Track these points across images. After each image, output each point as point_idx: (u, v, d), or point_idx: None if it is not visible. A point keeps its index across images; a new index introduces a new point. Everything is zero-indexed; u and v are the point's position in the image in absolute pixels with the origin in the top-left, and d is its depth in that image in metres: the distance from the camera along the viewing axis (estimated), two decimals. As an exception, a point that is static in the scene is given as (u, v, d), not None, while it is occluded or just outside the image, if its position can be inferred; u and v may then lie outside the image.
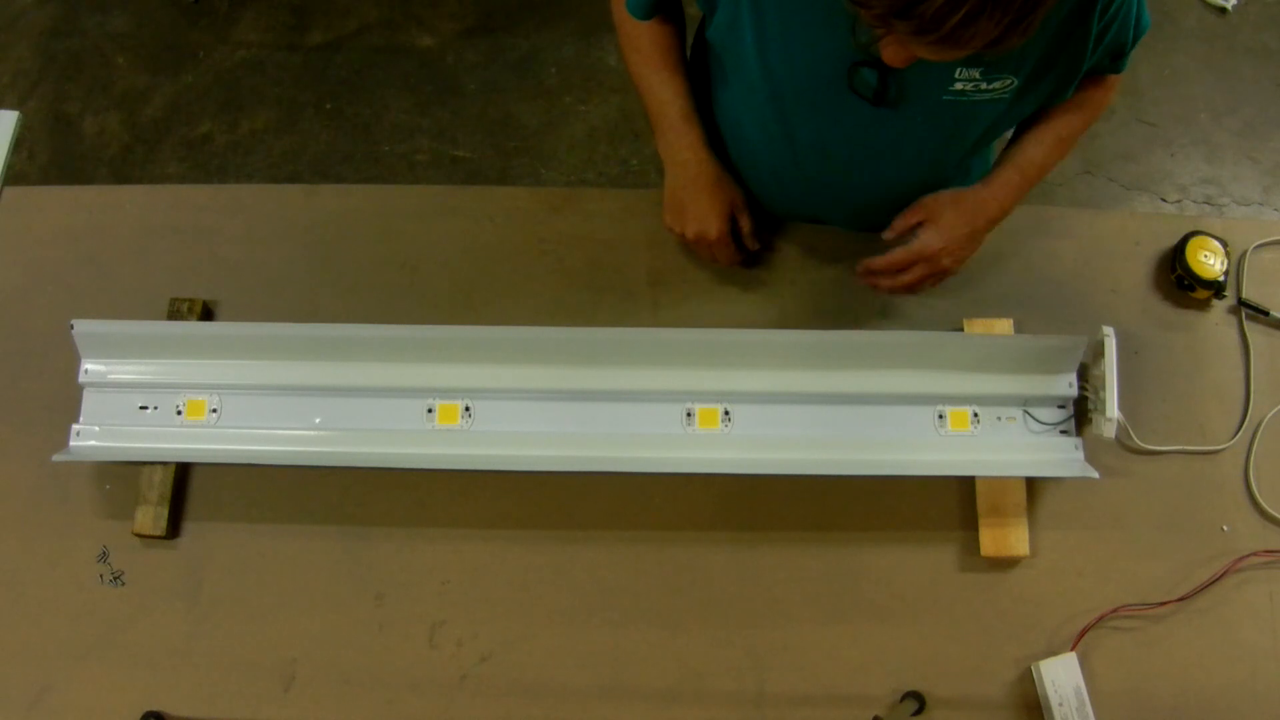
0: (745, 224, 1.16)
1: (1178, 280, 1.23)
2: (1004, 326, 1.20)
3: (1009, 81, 0.97)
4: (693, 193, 1.14)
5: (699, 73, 1.20)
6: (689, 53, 1.22)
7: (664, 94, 1.12)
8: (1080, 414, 1.15)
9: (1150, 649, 1.11)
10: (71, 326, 1.11)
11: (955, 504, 1.15)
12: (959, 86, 0.97)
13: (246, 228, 1.26)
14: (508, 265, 1.24)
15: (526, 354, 1.14)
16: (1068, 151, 1.13)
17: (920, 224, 1.10)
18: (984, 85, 0.97)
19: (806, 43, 0.97)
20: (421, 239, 1.26)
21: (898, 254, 1.10)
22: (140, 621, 1.11)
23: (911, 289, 1.13)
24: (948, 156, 1.12)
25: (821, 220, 1.27)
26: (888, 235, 1.12)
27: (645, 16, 1.10)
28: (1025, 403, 1.15)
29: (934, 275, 1.12)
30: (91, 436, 1.13)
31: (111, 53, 2.53)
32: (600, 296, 1.23)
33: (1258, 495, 1.16)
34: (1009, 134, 1.16)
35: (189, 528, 1.14)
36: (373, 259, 1.25)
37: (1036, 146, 1.11)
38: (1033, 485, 1.15)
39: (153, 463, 1.13)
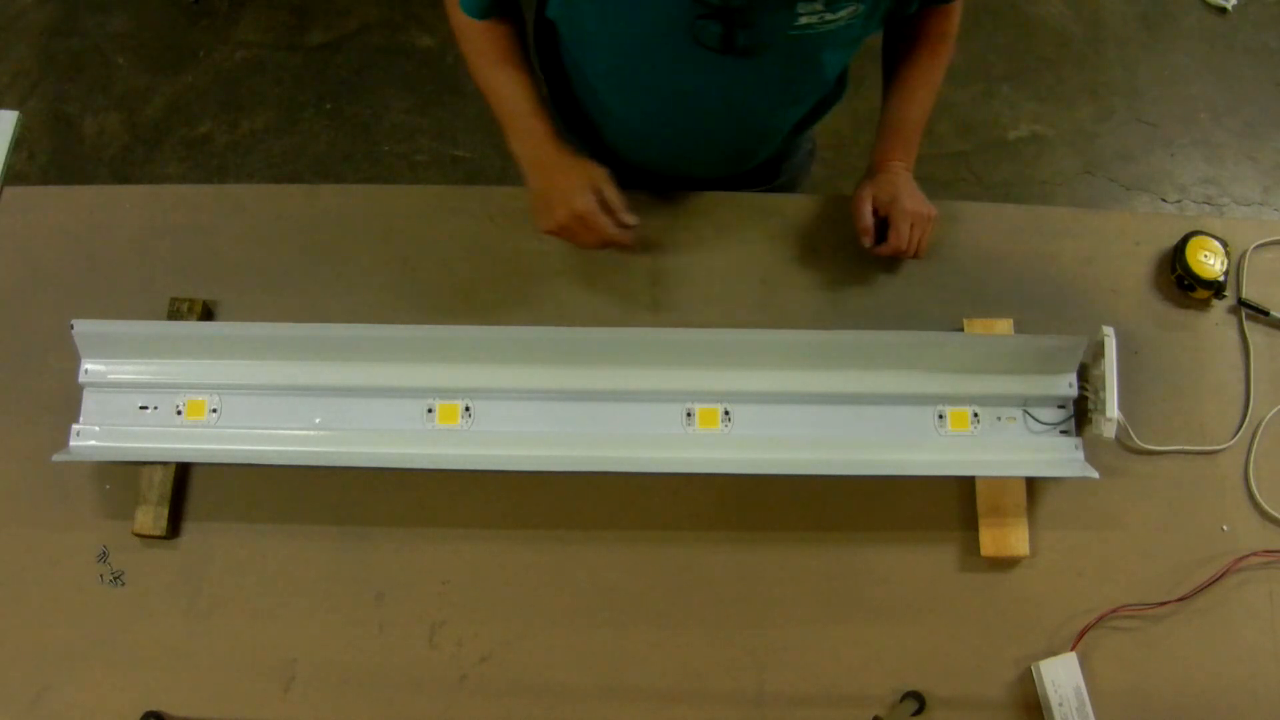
0: (611, 196, 1.13)
1: (1178, 280, 1.23)
2: (1004, 326, 1.20)
3: (854, 8, 0.97)
4: (553, 180, 1.13)
5: (551, 60, 1.23)
6: (535, 41, 1.24)
7: (507, 92, 1.13)
8: (1080, 414, 1.15)
9: (1150, 649, 1.11)
10: (71, 326, 1.11)
11: (955, 504, 1.15)
12: (804, 21, 0.97)
13: (246, 228, 1.26)
14: (508, 265, 1.24)
15: (526, 354, 1.14)
16: (937, 91, 1.22)
17: (882, 217, 1.18)
18: (829, 15, 0.97)
19: (644, 3, 0.98)
20: (421, 239, 1.26)
21: (897, 244, 1.17)
22: (140, 621, 1.11)
23: (926, 243, 1.20)
24: (808, 90, 1.14)
25: (705, 176, 1.28)
26: (878, 250, 1.19)
27: (481, 16, 1.10)
28: (1025, 403, 1.15)
29: (925, 229, 1.19)
30: (91, 436, 1.13)
31: (111, 53, 2.53)
32: (600, 296, 1.23)
33: (1258, 495, 1.16)
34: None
35: (189, 528, 1.14)
36: (373, 259, 1.25)
37: (912, 106, 1.21)
38: (1033, 485, 1.15)
39: (153, 463, 1.13)
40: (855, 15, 0.98)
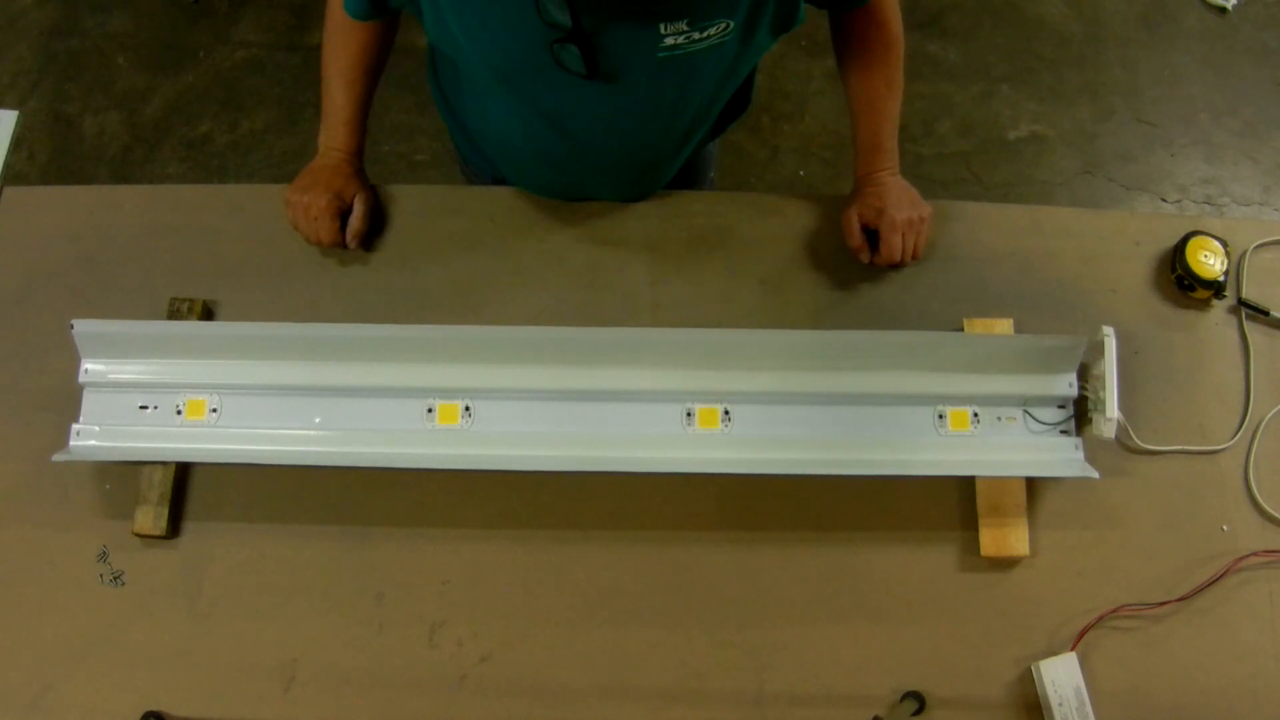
0: (355, 217, 1.21)
1: (1178, 280, 1.23)
2: (1004, 326, 1.20)
3: (724, 25, 0.96)
4: (321, 176, 1.21)
5: (452, 88, 1.26)
6: (438, 71, 1.29)
7: (339, 98, 1.20)
8: (1080, 414, 1.15)
9: (1150, 649, 1.11)
10: (71, 326, 1.11)
11: (955, 504, 1.15)
12: (670, 42, 0.96)
13: (246, 228, 1.26)
14: (508, 265, 1.25)
15: (526, 354, 1.14)
16: (900, 87, 1.21)
17: (873, 230, 1.19)
18: (696, 35, 0.96)
19: (506, 27, 0.97)
20: (421, 239, 1.26)
21: (889, 257, 1.19)
22: (140, 621, 1.11)
23: (915, 254, 1.21)
24: (696, 109, 1.12)
25: (600, 197, 1.29)
26: (873, 261, 1.21)
27: (361, 17, 1.13)
28: (1025, 403, 1.15)
29: (920, 232, 1.19)
30: (91, 436, 1.13)
31: (111, 53, 2.53)
32: (600, 296, 1.23)
33: (1258, 495, 1.16)
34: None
35: (189, 528, 1.14)
36: (373, 259, 1.25)
37: (879, 116, 1.20)
38: (1033, 485, 1.15)
39: (153, 463, 1.13)
40: (726, 33, 0.97)
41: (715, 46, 0.99)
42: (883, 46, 1.18)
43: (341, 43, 1.18)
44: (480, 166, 1.38)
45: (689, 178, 1.41)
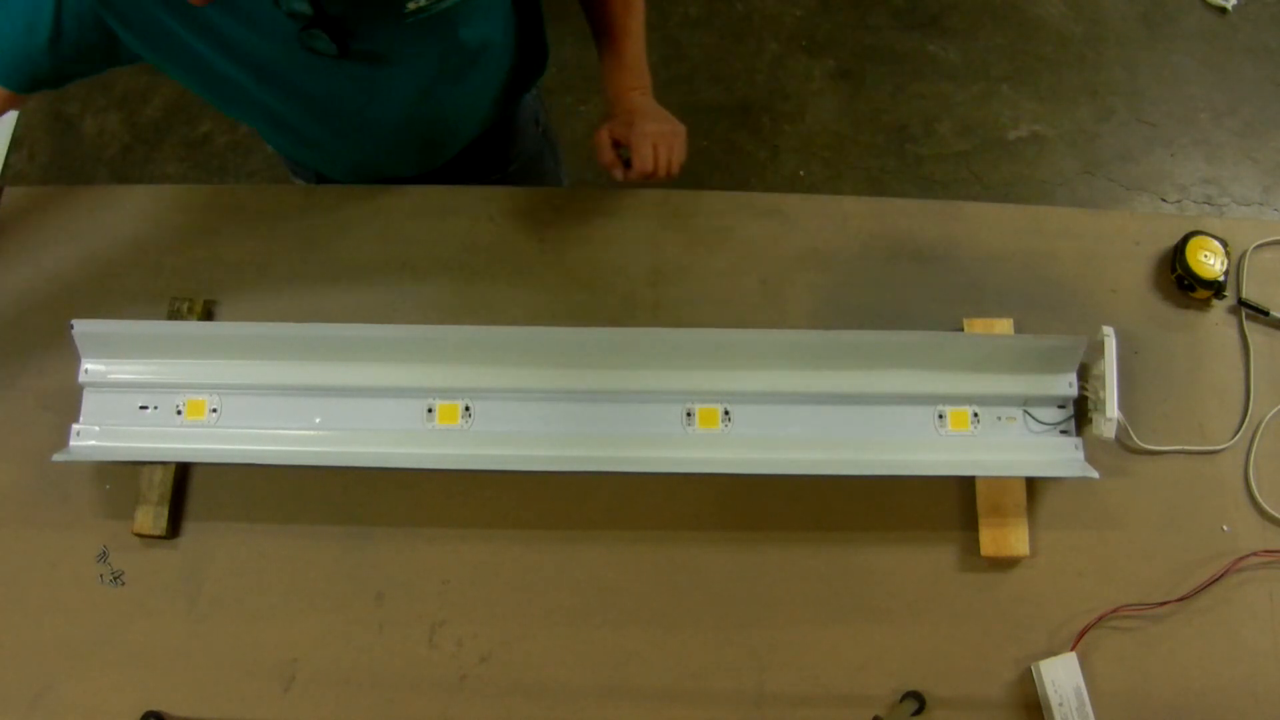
0: None
1: (1178, 280, 1.23)
2: (1004, 326, 1.20)
3: None
4: None
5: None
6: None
7: None
8: (1080, 414, 1.15)
9: (1150, 649, 1.11)
10: (71, 326, 1.11)
11: (955, 504, 1.15)
12: (413, 6, 0.97)
13: (246, 228, 1.26)
14: (508, 265, 1.25)
15: (526, 354, 1.14)
16: (642, 16, 1.22)
17: (621, 143, 1.18)
18: None
19: (252, 30, 0.98)
20: (421, 239, 1.26)
21: (641, 168, 1.16)
22: (140, 621, 1.11)
23: (678, 159, 1.18)
24: (465, 70, 1.14)
25: (413, 174, 1.30)
26: (627, 177, 1.18)
27: (21, 90, 1.04)
28: (1025, 403, 1.15)
29: (673, 144, 1.18)
30: (91, 436, 1.13)
31: (111, 53, 2.52)
32: (600, 296, 1.23)
33: (1258, 495, 1.16)
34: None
35: (189, 528, 1.14)
36: (373, 259, 1.25)
37: (624, 39, 1.20)
38: (1033, 485, 1.15)
39: (153, 463, 1.13)
40: None
41: (461, 2, 1.00)
42: None
43: None
44: (290, 156, 1.39)
45: (498, 143, 1.41)
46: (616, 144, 1.19)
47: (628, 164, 1.19)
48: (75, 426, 1.13)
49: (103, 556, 1.12)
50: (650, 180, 1.19)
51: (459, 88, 1.18)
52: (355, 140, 1.22)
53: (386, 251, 1.25)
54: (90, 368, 1.14)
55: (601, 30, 1.22)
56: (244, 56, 1.02)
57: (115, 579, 1.12)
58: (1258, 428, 1.19)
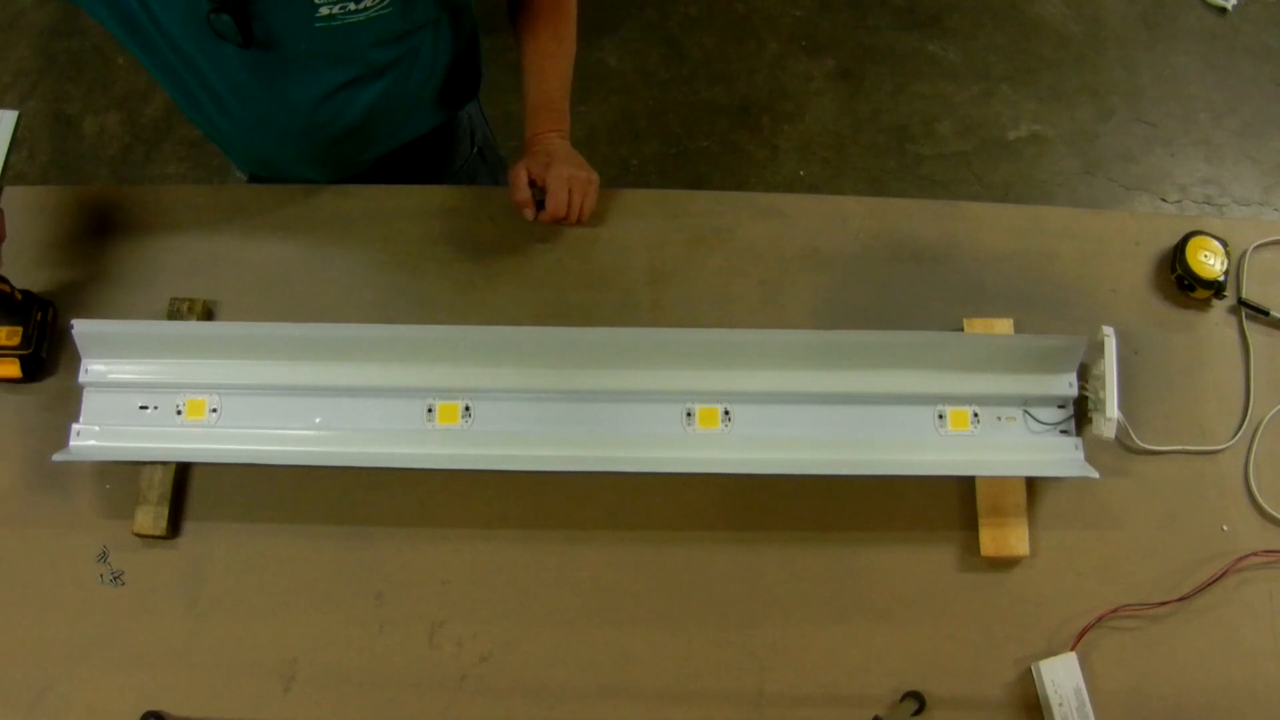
0: None
1: (1178, 280, 1.23)
2: (1004, 326, 1.20)
3: None
4: None
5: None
6: None
7: None
8: (1080, 414, 1.15)
9: (1150, 649, 1.11)
10: (71, 326, 1.11)
11: (955, 504, 1.15)
12: (325, 12, 0.99)
13: (246, 228, 1.26)
14: (508, 265, 1.25)
15: (526, 354, 1.14)
16: (571, 54, 1.25)
17: (537, 183, 1.19)
18: (352, 6, 0.99)
19: (165, 7, 1.00)
20: (421, 239, 1.26)
21: (554, 211, 1.19)
22: (140, 621, 1.11)
23: (589, 206, 1.21)
24: (364, 81, 1.15)
25: (304, 176, 1.31)
26: (538, 218, 1.20)
27: None
28: (1025, 403, 1.15)
29: (586, 191, 1.20)
30: (91, 436, 1.13)
31: (111, 53, 2.53)
32: (600, 296, 1.23)
33: (1258, 495, 1.16)
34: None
35: (189, 528, 1.14)
36: (373, 259, 1.25)
37: (550, 79, 1.23)
38: (1033, 485, 1.15)
39: (153, 463, 1.13)
40: (384, 6, 1.00)
41: (374, 19, 1.02)
42: (553, 4, 1.22)
43: None
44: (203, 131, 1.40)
45: (423, 159, 1.42)
46: (531, 183, 1.20)
47: (540, 205, 1.20)
48: (75, 426, 1.13)
49: (103, 556, 1.12)
50: (561, 224, 1.22)
51: (366, 98, 1.19)
52: (258, 134, 1.22)
53: (386, 251, 1.25)
54: (90, 368, 1.14)
55: (530, 67, 1.23)
56: (159, 24, 1.04)
57: (115, 579, 1.12)
58: (1258, 428, 1.19)
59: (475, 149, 1.52)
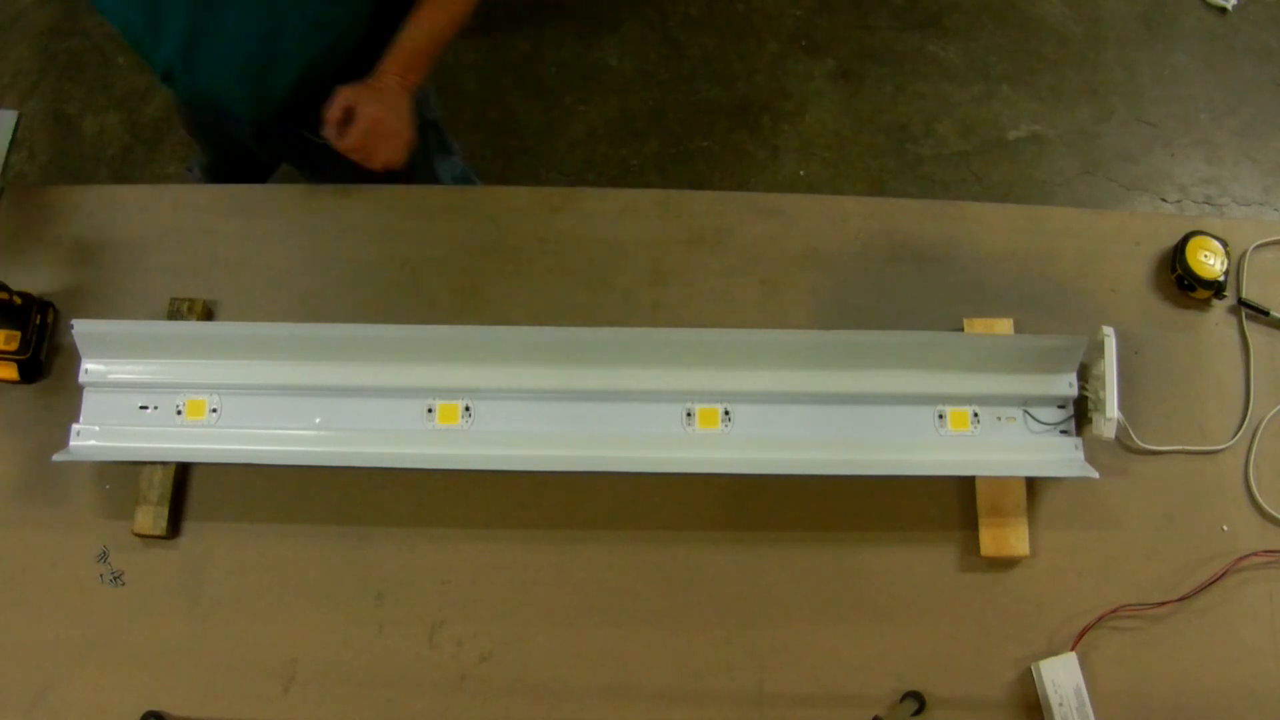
0: None
1: (1178, 280, 1.23)
2: (1004, 326, 1.20)
3: None
4: None
5: None
6: None
7: None
8: (1080, 414, 1.15)
9: (1150, 649, 1.11)
10: (71, 326, 1.11)
11: (955, 504, 1.15)
12: None
13: (246, 228, 1.26)
14: (508, 265, 1.24)
15: (526, 354, 1.14)
16: (453, 17, 1.26)
17: (350, 110, 1.20)
18: None
19: None
20: (421, 239, 1.26)
21: (352, 138, 1.20)
22: (140, 621, 1.11)
23: (385, 158, 1.23)
24: (287, 15, 1.17)
25: (237, 107, 1.31)
26: (327, 132, 1.21)
27: None
28: (1025, 403, 1.15)
29: (390, 140, 1.22)
30: (91, 436, 1.13)
31: (111, 53, 2.53)
32: (600, 296, 1.23)
33: (1258, 495, 1.16)
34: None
35: (189, 528, 1.14)
36: (373, 259, 1.25)
37: (417, 28, 1.23)
38: (1033, 485, 1.15)
39: (153, 463, 1.13)
40: None
41: None
42: None
43: None
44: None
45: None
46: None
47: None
48: (75, 426, 1.13)
49: (103, 556, 1.12)
50: (352, 158, 1.22)
51: (301, 11, 1.19)
52: (188, 51, 1.22)
53: (386, 251, 1.25)
54: (90, 368, 1.14)
55: (412, 15, 1.24)
56: None
57: (115, 579, 1.12)
58: (1258, 428, 1.19)
59: (421, 121, 1.49)
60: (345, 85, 1.21)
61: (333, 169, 1.30)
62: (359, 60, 1.26)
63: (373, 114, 1.20)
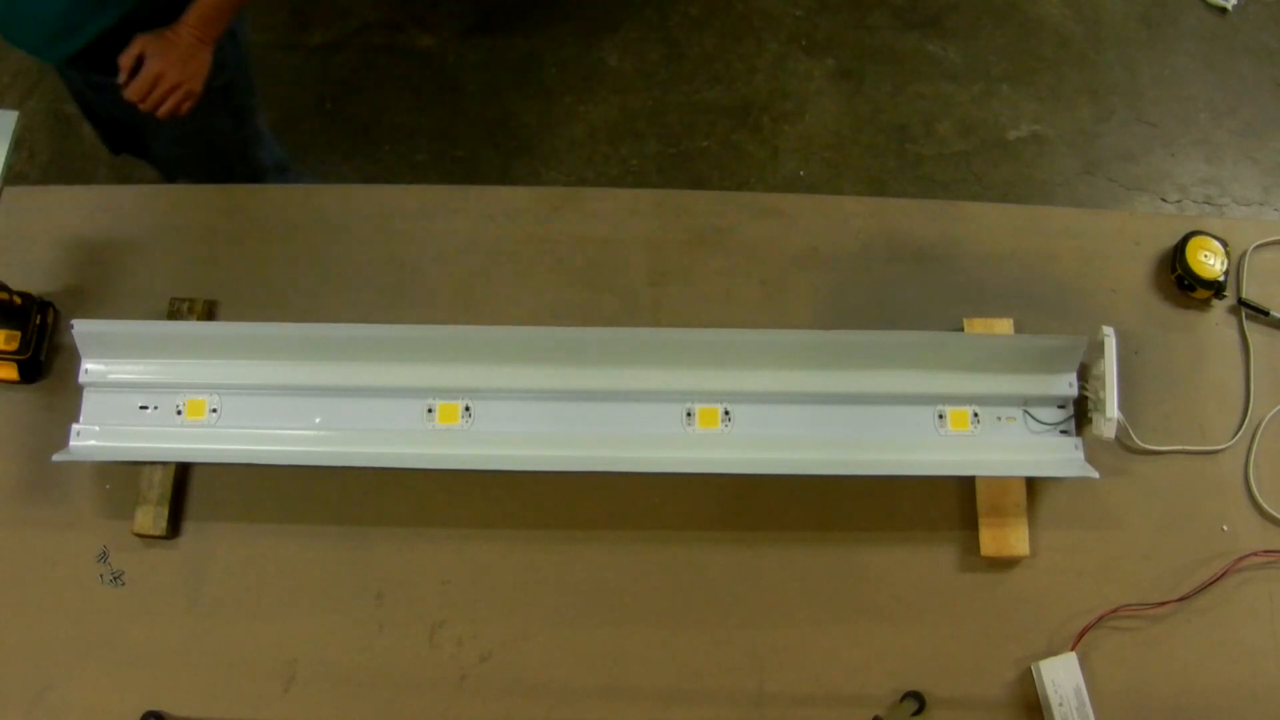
0: None
1: (1178, 280, 1.23)
2: (1004, 326, 1.20)
3: None
4: None
5: None
6: None
7: None
8: (1080, 414, 1.15)
9: (1150, 649, 1.11)
10: (71, 326, 1.11)
11: (955, 504, 1.15)
12: None
13: (246, 228, 1.26)
14: (508, 265, 1.24)
15: (526, 354, 1.14)
16: None
17: (142, 57, 1.24)
18: None
19: None
20: (421, 239, 1.26)
21: (137, 86, 1.24)
22: (140, 621, 1.11)
23: (169, 107, 1.27)
24: None
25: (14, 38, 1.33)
26: (121, 78, 1.25)
27: None
28: (1025, 403, 1.15)
29: (174, 91, 1.26)
30: (91, 436, 1.13)
31: (111, 53, 2.53)
32: (600, 296, 1.23)
33: (1258, 495, 1.16)
34: None
35: (189, 528, 1.14)
36: (373, 259, 1.25)
37: None
38: (1033, 485, 1.15)
39: (153, 463, 1.12)
40: None
41: None
42: None
43: None
44: None
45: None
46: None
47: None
48: (75, 426, 1.13)
49: (103, 556, 1.12)
50: (140, 106, 1.26)
51: None
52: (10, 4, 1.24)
53: (386, 251, 1.25)
54: (90, 368, 1.14)
55: None
56: None
57: (115, 579, 1.12)
58: (1258, 428, 1.19)
59: (226, 81, 1.48)
60: (142, 33, 1.25)
61: (144, 119, 1.34)
62: (167, 10, 1.29)
63: (157, 70, 1.24)
